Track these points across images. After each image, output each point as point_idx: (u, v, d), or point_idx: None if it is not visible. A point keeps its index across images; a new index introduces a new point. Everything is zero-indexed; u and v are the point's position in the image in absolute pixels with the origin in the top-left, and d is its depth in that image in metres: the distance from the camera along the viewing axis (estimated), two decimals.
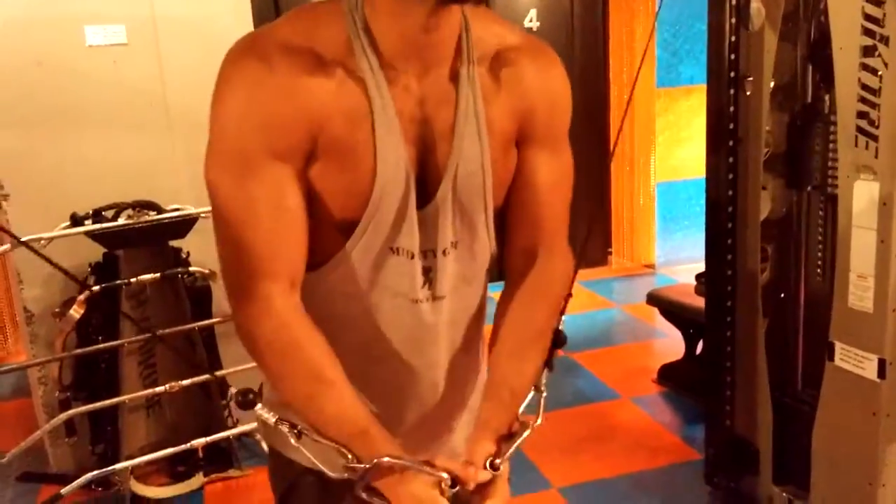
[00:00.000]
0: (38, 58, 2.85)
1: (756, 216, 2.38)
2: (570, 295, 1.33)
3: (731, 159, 2.36)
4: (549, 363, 1.22)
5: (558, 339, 1.27)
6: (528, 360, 1.17)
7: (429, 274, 1.13)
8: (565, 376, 3.76)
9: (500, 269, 1.27)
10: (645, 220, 5.49)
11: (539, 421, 1.15)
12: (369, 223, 1.06)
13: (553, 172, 1.18)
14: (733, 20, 2.27)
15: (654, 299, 3.65)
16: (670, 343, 3.89)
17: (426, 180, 1.09)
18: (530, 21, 5.24)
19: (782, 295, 2.48)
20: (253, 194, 1.00)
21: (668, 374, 3.61)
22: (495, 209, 1.16)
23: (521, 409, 1.15)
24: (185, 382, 2.73)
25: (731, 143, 2.35)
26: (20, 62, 2.83)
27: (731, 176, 2.37)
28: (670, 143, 5.29)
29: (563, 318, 1.31)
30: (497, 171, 1.13)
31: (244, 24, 3.13)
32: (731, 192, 2.39)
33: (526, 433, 1.12)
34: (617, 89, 5.39)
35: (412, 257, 1.10)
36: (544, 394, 1.18)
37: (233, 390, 2.84)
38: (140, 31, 3.00)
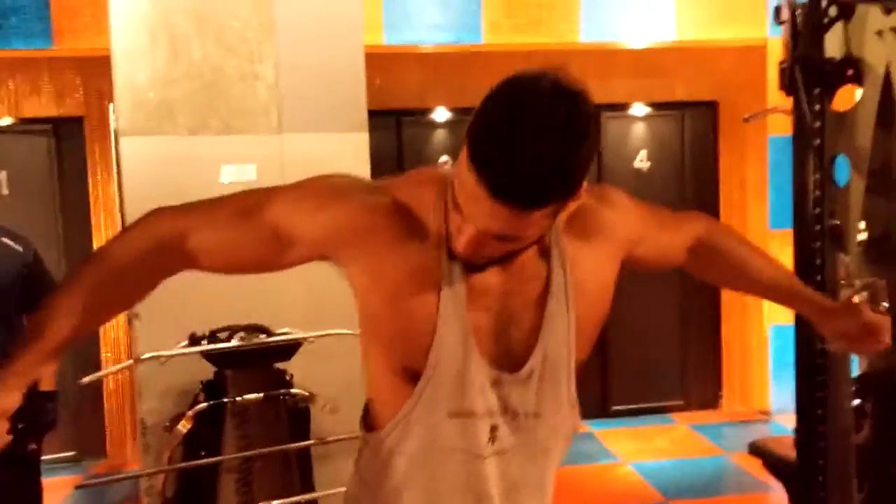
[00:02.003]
0: (178, 193, 3.21)
1: (847, 371, 2.31)
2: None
3: None
4: None
5: None
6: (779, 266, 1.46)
7: (496, 432, 1.17)
8: None
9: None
10: (758, 363, 5.29)
11: None
12: (428, 382, 1.13)
13: (662, 237, 1.37)
14: (817, 175, 2.29)
15: (755, 450, 3.48)
16: (777, 499, 3.66)
17: (512, 347, 1.16)
18: (640, 161, 5.36)
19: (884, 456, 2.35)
20: (252, 220, 1.16)
21: None
22: (579, 362, 1.21)
23: None
24: (277, 503, 2.84)
25: None
26: (163, 196, 3.19)
27: None
28: None
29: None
30: (584, 329, 1.19)
31: (363, 164, 3.41)
32: (820, 346, 2.33)
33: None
34: None
35: (472, 417, 1.15)
36: None
37: None
38: (269, 169, 3.33)
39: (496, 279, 1.13)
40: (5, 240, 2.95)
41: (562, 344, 1.17)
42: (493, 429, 1.17)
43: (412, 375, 1.14)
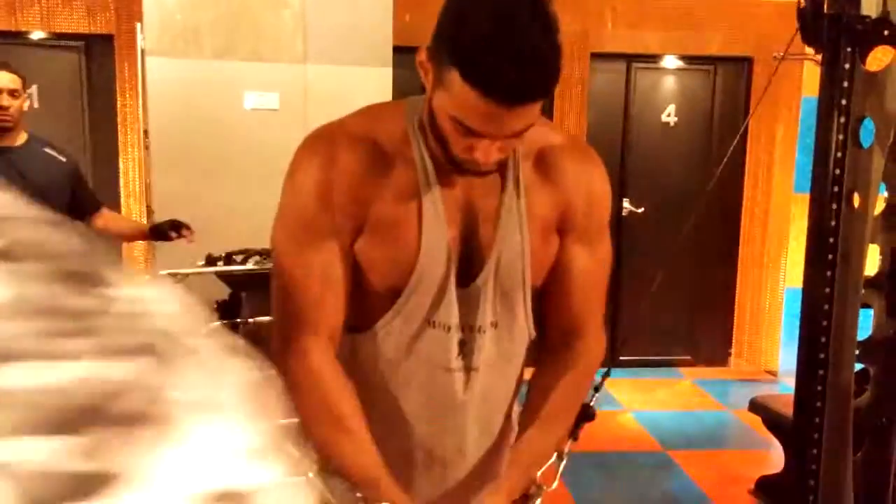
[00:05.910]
0: (200, 116, 3.25)
1: (853, 334, 2.32)
2: (606, 375, 1.42)
3: (829, 273, 2.33)
4: (574, 434, 1.32)
5: (586, 414, 1.36)
6: (552, 431, 1.26)
7: (464, 347, 1.23)
8: (657, 474, 3.68)
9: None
10: (771, 324, 5.30)
11: (555, 485, 1.24)
12: (410, 296, 1.19)
13: (589, 262, 1.28)
14: (841, 136, 2.27)
15: (755, 407, 3.54)
16: (775, 455, 3.72)
17: (470, 261, 1.22)
18: (668, 116, 5.29)
19: (883, 420, 2.38)
20: (309, 261, 1.17)
21: (766, 488, 3.45)
22: (534, 289, 1.26)
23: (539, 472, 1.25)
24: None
25: (830, 257, 2.32)
26: (185, 119, 3.23)
27: (827, 290, 2.33)
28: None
29: (596, 394, 1.41)
30: (536, 254, 1.24)
31: (385, 97, 3.41)
32: (826, 307, 2.34)
33: (538, 498, 1.21)
34: (750, 192, 5.29)
35: (448, 330, 1.21)
36: (564, 461, 1.29)
37: None
38: (292, 98, 3.34)
39: (461, 194, 1.18)
40: (48, 150, 3.00)
41: (515, 258, 1.21)
42: (462, 343, 1.22)
43: (395, 293, 1.20)
